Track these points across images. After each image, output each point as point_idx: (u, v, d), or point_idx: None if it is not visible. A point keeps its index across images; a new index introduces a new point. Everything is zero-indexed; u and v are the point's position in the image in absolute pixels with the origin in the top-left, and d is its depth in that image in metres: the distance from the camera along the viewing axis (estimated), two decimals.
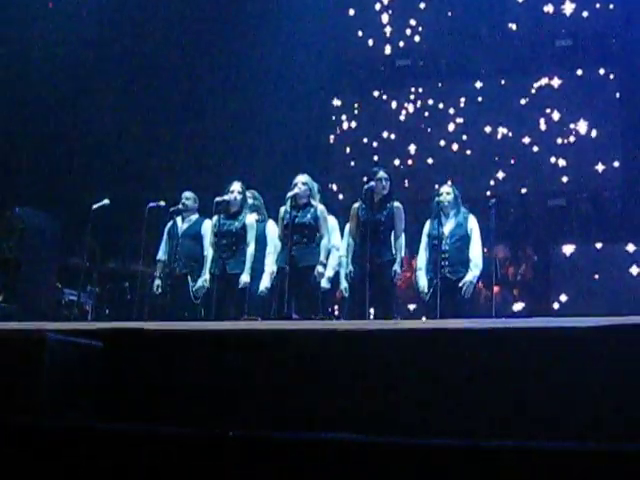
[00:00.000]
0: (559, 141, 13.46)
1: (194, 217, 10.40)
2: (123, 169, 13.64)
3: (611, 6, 13.50)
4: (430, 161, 14.17)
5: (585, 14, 13.64)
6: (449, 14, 14.64)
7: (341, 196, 14.44)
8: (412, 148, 14.30)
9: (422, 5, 14.73)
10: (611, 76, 13.53)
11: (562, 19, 13.79)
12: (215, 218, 9.84)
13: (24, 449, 4.42)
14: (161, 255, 10.41)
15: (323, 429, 3.89)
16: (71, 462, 4.33)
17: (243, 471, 3.71)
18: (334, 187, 14.61)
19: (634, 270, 11.24)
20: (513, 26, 14.13)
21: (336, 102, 15.17)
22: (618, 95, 13.38)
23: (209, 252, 9.95)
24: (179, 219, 10.38)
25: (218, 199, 9.71)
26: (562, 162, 13.37)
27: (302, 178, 9.63)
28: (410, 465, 3.62)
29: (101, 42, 14.27)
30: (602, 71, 13.55)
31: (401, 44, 14.81)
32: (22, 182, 13.46)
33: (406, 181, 14.04)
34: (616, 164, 13.21)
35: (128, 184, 13.22)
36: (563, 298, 11.58)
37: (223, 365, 5.82)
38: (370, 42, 14.98)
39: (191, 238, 10.26)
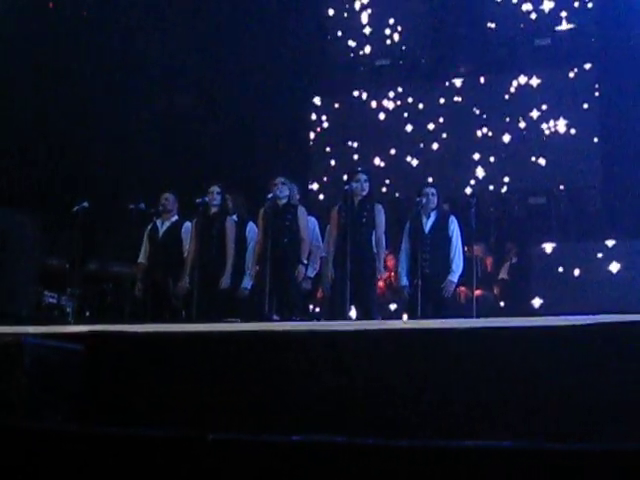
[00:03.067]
0: (539, 139, 13.49)
1: (174, 219, 10.37)
2: (104, 171, 13.60)
3: (590, 5, 13.54)
4: (410, 160, 14.18)
5: (564, 13, 13.68)
6: (428, 13, 14.67)
7: (321, 196, 14.44)
8: (392, 147, 14.30)
9: (401, 5, 14.74)
10: (590, 74, 13.58)
11: (541, 18, 13.82)
12: (195, 220, 9.83)
13: (1, 452, 4.39)
14: (141, 257, 10.38)
15: (303, 431, 3.88)
16: (49, 465, 4.30)
17: (223, 475, 3.70)
18: (314, 187, 14.60)
19: (614, 267, 11.25)
20: (492, 25, 14.16)
21: (316, 101, 15.16)
22: (597, 94, 13.43)
23: (189, 254, 9.92)
24: (159, 221, 10.35)
25: (198, 201, 9.70)
26: (542, 160, 13.41)
27: (282, 179, 9.63)
28: (393, 466, 3.61)
29: (82, 44, 14.22)
30: (581, 69, 13.58)
31: (380, 44, 14.81)
32: (2, 183, 13.38)
33: (386, 181, 14.05)
34: (595, 162, 13.26)
35: (109, 186, 13.17)
36: (543, 296, 11.58)
37: (204, 367, 5.81)
38: (350, 42, 14.98)
39: (171, 240, 10.23)
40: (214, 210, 9.86)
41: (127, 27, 14.30)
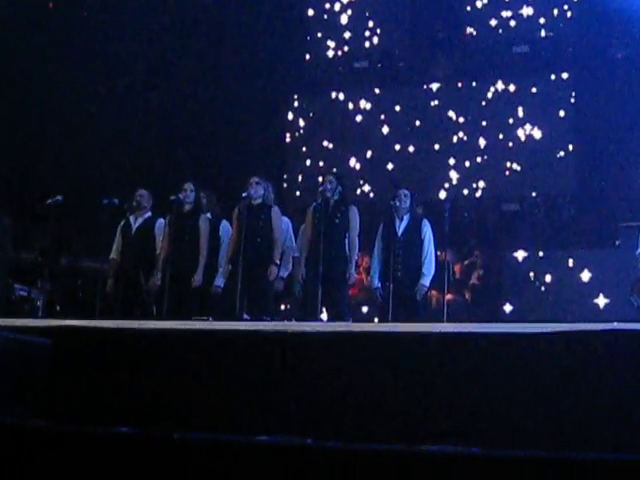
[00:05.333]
0: (514, 146, 13.53)
1: (147, 215, 10.33)
2: (77, 165, 13.52)
3: (569, 14, 13.59)
4: (385, 163, 14.19)
5: (542, 21, 13.73)
6: (408, 17, 14.69)
7: (296, 196, 14.43)
8: (368, 150, 14.31)
9: (381, 8, 14.76)
10: (567, 83, 13.63)
11: (520, 25, 13.86)
12: (168, 217, 9.81)
13: None
14: (114, 253, 10.34)
15: (270, 432, 3.88)
16: (14, 460, 4.28)
17: (187, 474, 3.70)
18: (289, 187, 14.60)
19: (585, 276, 11.33)
20: (471, 31, 14.20)
21: (293, 101, 15.15)
22: (573, 102, 13.47)
23: (162, 250, 9.89)
24: (132, 217, 10.31)
25: (172, 198, 9.68)
26: (517, 167, 13.44)
27: (257, 178, 9.62)
28: (357, 469, 3.61)
29: (60, 41, 14.17)
30: (558, 77, 13.64)
31: (359, 46, 14.82)
32: None
33: (361, 183, 14.07)
34: (570, 170, 13.31)
35: (82, 181, 13.10)
36: (514, 302, 11.64)
37: (173, 365, 5.80)
38: (329, 43, 14.98)
39: (144, 236, 10.18)
40: (188, 207, 9.83)
41: (109, 26, 14.27)
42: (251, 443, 3.66)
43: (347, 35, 14.89)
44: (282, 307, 10.93)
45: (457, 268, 12.29)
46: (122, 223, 10.35)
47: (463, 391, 5.04)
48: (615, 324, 7.20)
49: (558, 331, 5.14)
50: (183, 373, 5.71)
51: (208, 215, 10.05)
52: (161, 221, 10.12)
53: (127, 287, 10.09)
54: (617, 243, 11.85)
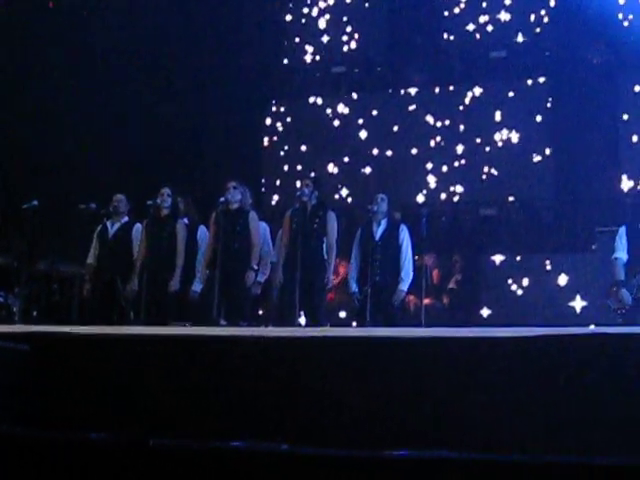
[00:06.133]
0: (491, 150, 13.57)
1: (124, 220, 10.30)
2: (54, 170, 13.46)
3: (545, 19, 13.65)
4: (363, 168, 14.20)
5: (519, 26, 13.77)
6: (385, 22, 14.73)
7: (274, 201, 14.42)
8: (346, 154, 14.32)
9: (359, 13, 14.78)
10: (543, 87, 13.68)
11: (497, 30, 13.91)
12: (145, 222, 9.79)
13: None
14: (90, 258, 10.30)
15: (246, 437, 3.87)
16: None
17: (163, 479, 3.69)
18: (267, 192, 14.59)
19: (562, 280, 11.38)
20: (448, 36, 14.24)
21: (271, 106, 15.14)
22: (550, 106, 13.52)
23: (139, 256, 9.86)
24: (109, 222, 10.28)
25: (149, 202, 9.66)
26: (494, 171, 13.48)
27: (234, 183, 9.60)
28: (332, 474, 3.61)
29: (30, 42, 14.13)
30: (535, 82, 13.69)
31: (337, 51, 14.84)
32: None
33: (339, 187, 14.07)
34: (547, 174, 13.36)
35: (59, 185, 13.04)
36: (492, 307, 11.68)
37: (150, 370, 5.77)
38: (307, 48, 14.99)
39: (121, 241, 10.15)
40: (165, 212, 9.81)
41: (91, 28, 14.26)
42: (226, 448, 3.65)
43: (325, 40, 14.91)
44: (259, 312, 10.91)
45: (435, 273, 12.32)
46: (99, 228, 10.32)
47: (441, 395, 5.04)
48: (592, 327, 7.25)
49: (536, 335, 5.15)
50: (160, 379, 5.69)
51: (185, 220, 10.03)
52: (138, 226, 10.09)
53: (104, 292, 10.05)
54: (594, 247, 11.92)
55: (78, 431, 4.69)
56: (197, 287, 9.81)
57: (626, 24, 12.94)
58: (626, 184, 12.59)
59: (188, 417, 5.28)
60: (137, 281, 9.72)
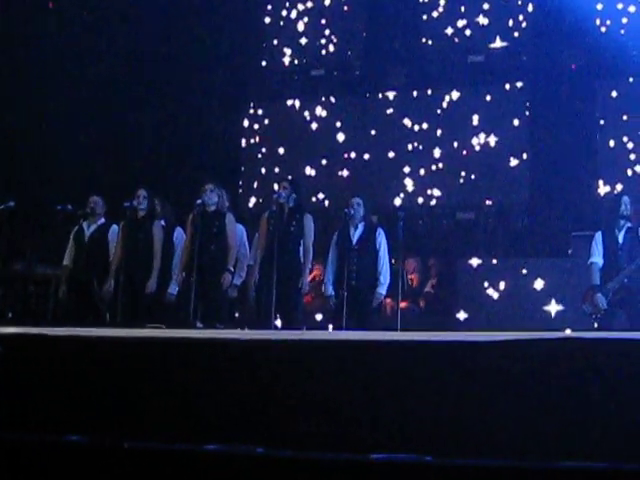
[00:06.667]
0: (469, 154, 13.58)
1: (100, 221, 10.28)
2: (31, 171, 13.41)
3: (524, 24, 13.68)
4: (340, 171, 14.19)
5: (497, 31, 13.80)
6: (364, 26, 14.74)
7: (251, 203, 14.40)
8: (323, 157, 14.31)
9: (337, 16, 14.78)
10: (521, 92, 13.70)
11: (475, 35, 13.93)
12: (122, 223, 9.77)
13: None
14: (66, 259, 10.27)
15: (220, 440, 3.86)
16: None
17: None
18: (244, 194, 14.57)
19: (538, 284, 11.41)
20: (427, 40, 14.25)
21: (249, 109, 15.12)
22: (527, 112, 13.56)
23: (115, 257, 9.84)
24: (85, 223, 10.25)
25: (125, 204, 9.64)
26: (472, 176, 13.49)
27: (211, 185, 9.60)
28: (306, 477, 3.61)
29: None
30: (512, 86, 13.72)
31: (316, 54, 14.83)
32: None
33: (317, 191, 14.06)
34: (524, 179, 13.39)
35: (35, 186, 13.00)
36: (468, 311, 11.70)
37: (126, 373, 5.75)
38: (285, 50, 14.98)
39: (97, 243, 10.14)
40: (141, 214, 9.81)
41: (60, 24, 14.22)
42: (201, 452, 3.64)
43: (303, 42, 14.89)
44: (236, 315, 10.89)
45: (412, 276, 12.33)
46: (75, 229, 10.30)
47: (415, 399, 5.04)
48: (568, 332, 7.27)
49: (511, 339, 5.16)
50: (135, 381, 5.67)
51: (162, 222, 10.02)
52: (115, 228, 10.08)
53: (80, 294, 10.04)
54: (570, 252, 11.97)
55: (52, 434, 4.67)
56: (173, 289, 9.81)
57: (603, 30, 12.99)
58: (602, 189, 12.64)
59: (163, 420, 5.26)
60: (113, 283, 9.71)
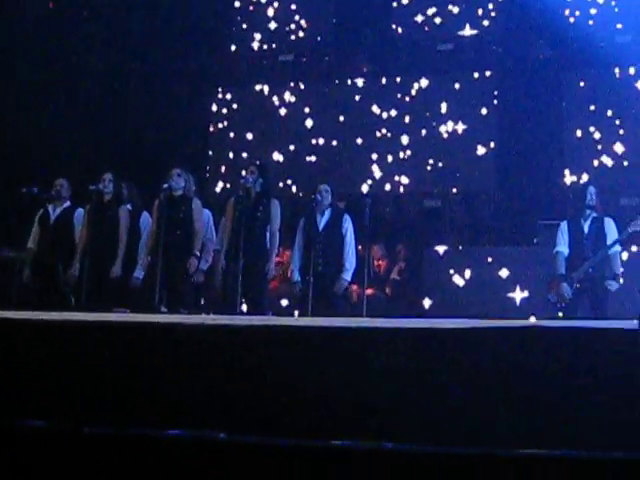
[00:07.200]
0: (437, 142, 13.60)
1: (66, 205, 10.22)
2: None
3: (493, 14, 13.70)
4: (308, 157, 14.17)
5: (467, 19, 13.81)
6: (334, 12, 14.71)
7: (218, 188, 14.36)
8: (291, 143, 14.28)
9: (307, 2, 14.74)
10: (489, 81, 13.73)
11: (445, 23, 13.93)
12: (87, 207, 9.72)
13: None
14: (31, 242, 10.20)
15: (184, 426, 3.85)
16: None
17: (97, 468, 3.65)
18: (212, 178, 14.52)
19: (503, 272, 11.45)
20: (396, 27, 14.25)
21: (218, 93, 15.05)
22: (495, 101, 13.59)
23: (80, 241, 9.79)
24: (50, 206, 10.19)
25: (91, 187, 9.59)
26: (439, 163, 13.51)
27: (178, 170, 9.57)
28: (273, 464, 3.60)
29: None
30: (481, 75, 13.73)
31: (285, 39, 14.78)
32: None
33: (284, 176, 14.03)
34: (490, 167, 13.43)
35: (0, 169, 12.89)
36: (433, 298, 11.73)
37: (90, 357, 5.72)
38: (254, 35, 14.91)
39: (62, 226, 10.08)
40: (107, 198, 9.77)
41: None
42: (162, 437, 3.63)
43: (273, 27, 14.83)
44: (201, 300, 10.87)
45: (378, 263, 12.35)
46: (40, 212, 10.23)
47: (381, 386, 5.05)
48: (532, 319, 7.31)
49: (474, 326, 5.18)
50: (100, 365, 5.64)
51: (128, 206, 9.98)
52: (80, 211, 10.03)
53: (44, 277, 9.98)
54: (535, 241, 12.04)
55: (10, 418, 4.64)
56: (139, 273, 9.78)
57: (572, 20, 13.02)
58: (569, 179, 12.70)
59: (124, 405, 5.24)
60: (78, 266, 9.67)
